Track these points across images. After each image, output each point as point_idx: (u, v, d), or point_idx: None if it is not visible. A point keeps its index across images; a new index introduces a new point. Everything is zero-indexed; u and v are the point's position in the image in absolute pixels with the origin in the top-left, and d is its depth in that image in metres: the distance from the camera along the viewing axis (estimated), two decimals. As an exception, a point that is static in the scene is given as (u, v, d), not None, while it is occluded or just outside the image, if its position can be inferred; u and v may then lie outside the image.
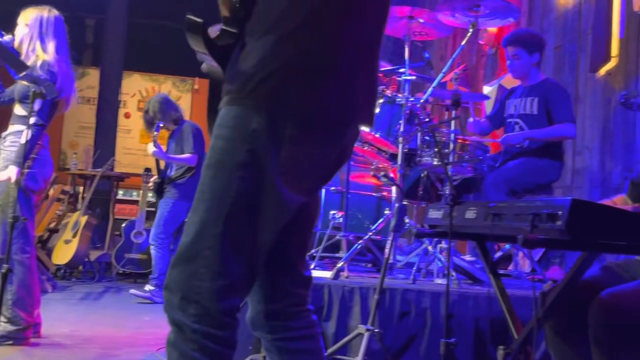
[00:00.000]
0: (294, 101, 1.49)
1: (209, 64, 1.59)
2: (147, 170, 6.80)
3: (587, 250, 1.70)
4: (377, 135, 3.95)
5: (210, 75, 1.62)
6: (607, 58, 4.61)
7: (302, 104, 1.50)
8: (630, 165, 4.24)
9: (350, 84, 1.56)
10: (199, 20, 1.52)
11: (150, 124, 5.87)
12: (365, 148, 4.33)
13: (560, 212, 1.54)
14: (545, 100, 4.11)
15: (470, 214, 1.96)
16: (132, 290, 5.71)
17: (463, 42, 3.84)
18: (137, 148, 11.13)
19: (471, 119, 4.44)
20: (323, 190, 4.30)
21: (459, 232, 2.08)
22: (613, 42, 4.60)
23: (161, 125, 5.73)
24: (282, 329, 1.71)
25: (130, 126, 11.33)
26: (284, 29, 1.51)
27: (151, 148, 5.64)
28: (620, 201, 2.36)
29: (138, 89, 11.46)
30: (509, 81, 5.07)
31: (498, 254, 4.33)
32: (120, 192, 8.76)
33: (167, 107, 5.85)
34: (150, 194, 6.62)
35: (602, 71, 4.70)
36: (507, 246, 4.24)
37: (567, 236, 1.53)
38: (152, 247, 5.75)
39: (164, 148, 5.77)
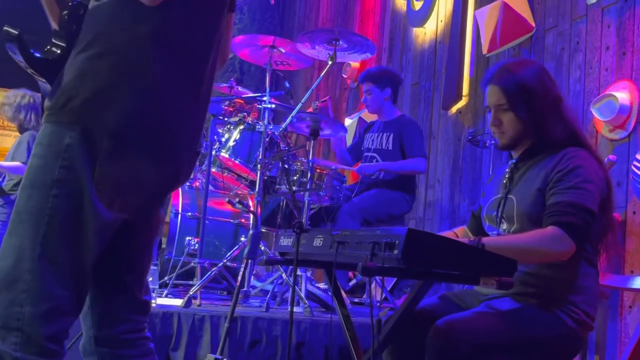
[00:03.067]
0: (108, 116, 1.46)
1: (37, 78, 1.54)
2: None
3: (421, 279, 1.75)
4: (237, 162, 3.94)
5: (42, 92, 1.56)
6: (459, 97, 4.87)
7: (116, 119, 1.47)
8: (476, 199, 4.48)
9: (169, 106, 1.54)
10: (14, 31, 1.48)
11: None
12: (225, 174, 4.31)
13: (397, 241, 1.59)
14: (400, 136, 4.31)
15: (317, 241, 1.99)
16: None
17: (322, 74, 3.93)
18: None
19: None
20: (179, 216, 4.22)
21: (306, 260, 2.10)
22: (464, 82, 4.87)
23: None
24: (115, 357, 1.64)
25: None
26: (101, 46, 1.49)
27: None
28: (460, 232, 2.48)
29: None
30: (369, 115, 5.24)
31: (352, 282, 4.43)
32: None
33: (20, 107, 5.45)
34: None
35: (454, 109, 4.95)
36: (361, 275, 4.33)
37: (403, 264, 1.58)
38: None
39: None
